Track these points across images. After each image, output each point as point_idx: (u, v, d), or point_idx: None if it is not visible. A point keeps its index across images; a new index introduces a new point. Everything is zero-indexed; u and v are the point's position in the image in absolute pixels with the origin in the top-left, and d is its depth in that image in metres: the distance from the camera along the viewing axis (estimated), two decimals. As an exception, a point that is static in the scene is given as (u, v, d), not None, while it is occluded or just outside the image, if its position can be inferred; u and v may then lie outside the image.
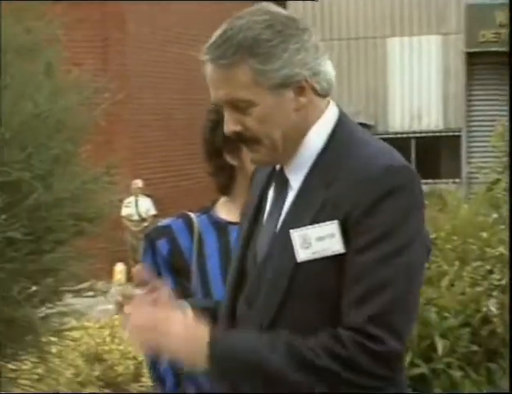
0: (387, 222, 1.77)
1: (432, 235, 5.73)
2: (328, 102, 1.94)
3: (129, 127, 16.57)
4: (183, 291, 2.29)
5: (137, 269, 1.92)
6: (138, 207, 15.73)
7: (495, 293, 4.84)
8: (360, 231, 1.78)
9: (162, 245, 2.45)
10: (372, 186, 1.79)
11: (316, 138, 1.89)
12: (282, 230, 1.87)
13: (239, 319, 1.94)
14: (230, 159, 2.42)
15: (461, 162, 21.62)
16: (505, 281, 4.83)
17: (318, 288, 1.81)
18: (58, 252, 4.40)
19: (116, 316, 7.02)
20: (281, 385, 1.77)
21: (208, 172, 2.50)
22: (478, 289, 4.89)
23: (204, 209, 2.54)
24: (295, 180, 1.90)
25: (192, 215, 2.51)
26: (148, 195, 15.81)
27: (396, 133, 21.66)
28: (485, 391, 4.61)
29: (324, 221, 1.80)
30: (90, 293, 4.76)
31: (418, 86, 21.92)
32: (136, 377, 6.17)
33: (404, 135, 21.72)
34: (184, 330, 1.81)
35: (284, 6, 21.64)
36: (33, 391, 5.17)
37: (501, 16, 19.30)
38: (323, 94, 1.91)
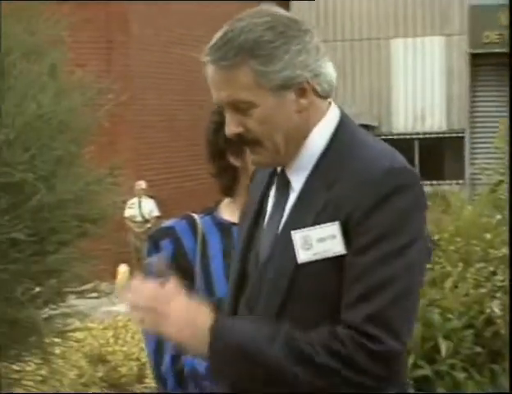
0: (388, 223, 1.78)
1: (436, 237, 5.72)
2: (329, 103, 1.94)
3: (132, 128, 16.57)
4: (186, 292, 2.29)
5: (156, 261, 1.92)
6: (141, 208, 15.74)
7: (498, 294, 4.83)
8: (361, 231, 1.78)
9: (166, 245, 2.45)
10: (374, 188, 1.79)
11: (318, 139, 1.89)
12: (284, 231, 1.87)
13: None
14: (233, 160, 2.42)
15: (464, 164, 21.61)
16: (508, 283, 4.83)
17: (319, 289, 1.81)
18: (62, 253, 4.41)
19: (120, 317, 7.03)
20: (278, 377, 1.77)
21: (212, 174, 2.50)
22: (482, 290, 4.89)
23: (208, 210, 2.55)
24: (297, 182, 1.90)
25: (196, 216, 2.51)
26: (151, 196, 15.81)
27: (400, 134, 21.65)
28: (485, 392, 4.61)
29: (325, 222, 1.81)
30: (94, 294, 4.76)
31: (421, 87, 21.91)
32: (140, 378, 6.18)
33: (408, 136, 21.71)
34: (185, 313, 1.82)
35: (287, 7, 21.66)
36: (36, 391, 5.17)
37: (505, 17, 19.27)
38: (324, 96, 1.91)
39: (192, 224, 2.49)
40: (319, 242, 1.81)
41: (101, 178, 4.61)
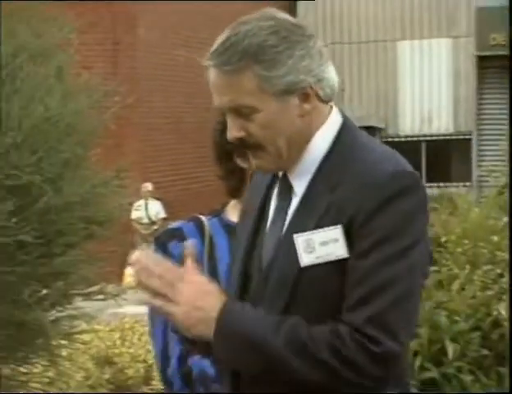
0: (391, 225, 1.78)
1: (443, 239, 5.72)
2: (331, 107, 1.94)
3: (139, 131, 16.59)
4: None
5: (188, 247, 1.90)
6: (148, 210, 15.76)
7: (505, 297, 4.82)
8: (364, 234, 1.79)
9: (174, 247, 2.44)
10: (377, 191, 1.79)
11: (320, 143, 1.90)
12: (286, 235, 1.87)
13: None
14: (240, 162, 2.42)
15: (471, 166, 21.58)
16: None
17: (322, 292, 1.81)
18: (69, 255, 4.41)
19: (127, 319, 7.03)
20: (278, 367, 1.78)
21: (218, 175, 2.50)
22: (489, 293, 4.88)
23: (215, 212, 2.54)
24: (299, 187, 1.90)
25: (203, 218, 2.51)
26: (157, 198, 15.83)
27: (407, 136, 21.63)
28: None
29: (328, 225, 1.81)
30: (100, 296, 4.77)
31: (428, 89, 21.89)
32: (146, 380, 6.18)
33: (415, 139, 21.69)
34: (195, 296, 1.82)
35: (294, 8, 21.65)
36: (43, 393, 5.18)
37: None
38: (327, 100, 1.91)
39: (199, 226, 2.49)
40: (322, 246, 1.81)
41: (107, 180, 4.62)
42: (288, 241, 1.85)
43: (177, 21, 17.66)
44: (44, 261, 4.32)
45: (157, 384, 5.83)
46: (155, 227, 15.21)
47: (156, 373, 5.78)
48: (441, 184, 20.69)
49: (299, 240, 1.83)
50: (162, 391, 2.54)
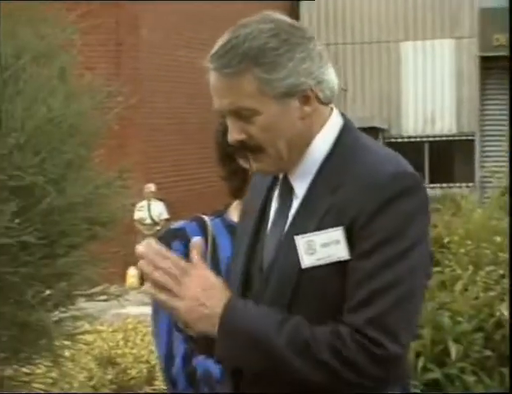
0: (392, 227, 1.79)
1: (446, 240, 5.72)
2: (331, 109, 1.94)
3: (141, 131, 16.60)
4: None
5: (195, 243, 1.90)
6: (150, 211, 15.76)
7: (508, 297, 4.82)
8: (365, 235, 1.79)
9: (177, 246, 2.44)
10: (378, 192, 1.80)
11: (321, 145, 1.90)
12: (287, 236, 1.87)
13: None
14: (243, 163, 2.42)
15: (474, 167, 21.57)
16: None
17: (323, 294, 1.82)
18: (72, 256, 4.42)
19: (129, 320, 7.04)
20: (280, 367, 1.78)
21: (221, 176, 2.50)
22: (492, 293, 4.88)
23: (218, 213, 2.55)
24: (300, 188, 1.90)
25: (206, 218, 2.51)
26: (160, 199, 15.83)
27: (410, 137, 21.63)
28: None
29: (330, 226, 1.81)
30: (103, 297, 4.77)
31: (431, 90, 21.88)
32: (149, 380, 6.19)
33: (418, 139, 21.68)
34: (200, 292, 1.82)
35: (297, 8, 21.65)
36: (46, 394, 5.18)
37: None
38: (326, 102, 1.91)
39: (202, 226, 2.49)
40: (323, 247, 1.81)
41: (110, 181, 4.62)
42: (289, 243, 1.85)
43: (179, 22, 17.67)
44: (47, 262, 4.33)
45: (160, 384, 5.83)
46: (158, 228, 15.21)
47: (159, 374, 5.79)
48: (444, 184, 20.69)
49: (301, 241, 1.83)
50: (165, 392, 2.54)
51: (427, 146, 21.74)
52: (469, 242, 5.42)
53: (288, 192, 1.92)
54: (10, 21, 4.51)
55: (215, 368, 2.31)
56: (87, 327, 5.20)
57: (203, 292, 1.82)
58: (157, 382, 6.07)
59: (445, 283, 5.00)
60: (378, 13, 22.05)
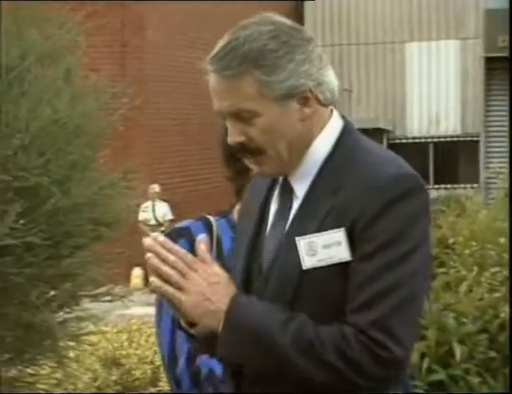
0: (393, 229, 1.79)
1: (451, 241, 5.72)
2: (331, 111, 1.94)
3: (146, 132, 16.61)
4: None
5: (202, 239, 1.90)
6: (155, 211, 15.77)
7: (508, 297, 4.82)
8: (366, 238, 1.79)
9: (182, 245, 2.44)
10: (380, 194, 1.80)
11: (321, 147, 1.90)
12: (288, 238, 1.87)
13: None
14: (248, 163, 2.41)
15: (479, 167, 21.55)
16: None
17: (324, 295, 1.82)
18: (76, 257, 4.42)
19: (134, 321, 7.04)
20: (284, 366, 1.78)
21: (226, 177, 2.50)
22: (496, 295, 4.88)
23: (223, 213, 2.55)
24: (300, 189, 1.90)
25: (211, 218, 2.51)
26: (165, 200, 15.84)
27: (414, 138, 21.61)
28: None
29: (330, 227, 1.82)
30: (108, 298, 4.77)
31: (436, 91, 21.86)
32: (153, 381, 6.19)
33: (423, 140, 21.67)
34: (205, 287, 1.82)
35: (301, 9, 21.64)
36: (51, 395, 5.18)
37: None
38: (326, 104, 1.91)
39: (207, 226, 2.49)
40: (324, 248, 1.81)
41: (115, 182, 4.62)
42: (289, 244, 1.85)
43: (183, 22, 17.68)
44: (52, 263, 4.33)
45: (165, 385, 5.84)
46: (162, 229, 15.21)
47: (163, 375, 5.79)
48: (449, 185, 20.67)
49: (302, 242, 1.83)
50: (170, 393, 2.54)
51: (431, 147, 21.72)
52: (474, 243, 5.42)
53: (288, 193, 1.92)
54: (15, 22, 4.51)
55: (219, 368, 2.31)
56: (91, 327, 5.20)
57: (209, 287, 1.83)
58: (161, 383, 6.08)
59: (449, 284, 5.00)
60: (383, 14, 22.04)
